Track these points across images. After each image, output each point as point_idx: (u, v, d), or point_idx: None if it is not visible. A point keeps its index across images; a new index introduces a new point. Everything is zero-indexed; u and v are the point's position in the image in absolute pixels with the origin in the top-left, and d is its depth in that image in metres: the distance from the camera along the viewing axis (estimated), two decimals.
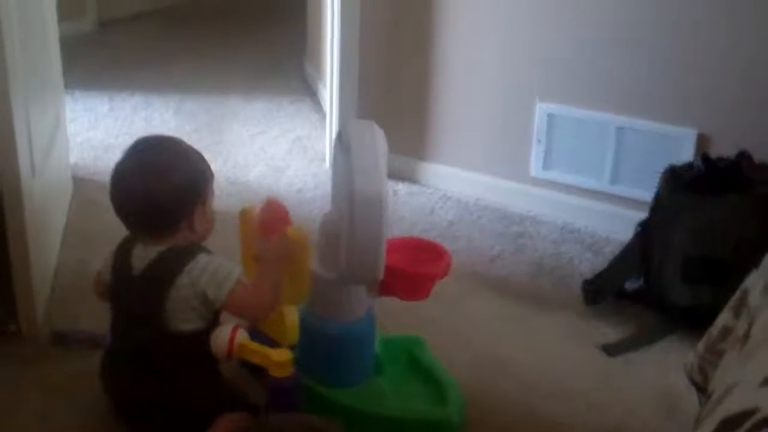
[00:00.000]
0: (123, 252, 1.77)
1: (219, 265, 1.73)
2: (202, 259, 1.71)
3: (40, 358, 2.18)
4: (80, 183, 3.13)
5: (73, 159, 3.27)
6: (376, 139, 1.77)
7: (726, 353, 1.51)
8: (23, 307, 2.20)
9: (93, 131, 3.76)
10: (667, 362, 2.25)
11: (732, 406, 0.83)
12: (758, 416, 0.77)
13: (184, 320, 1.71)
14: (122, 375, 1.78)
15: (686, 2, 2.74)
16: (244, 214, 2.04)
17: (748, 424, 0.77)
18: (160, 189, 1.70)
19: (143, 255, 1.73)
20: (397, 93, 3.35)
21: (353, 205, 1.69)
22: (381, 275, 1.79)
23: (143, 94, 4.28)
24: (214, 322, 1.76)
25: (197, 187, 1.75)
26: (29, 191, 2.20)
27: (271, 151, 3.65)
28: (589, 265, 2.73)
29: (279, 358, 1.71)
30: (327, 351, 1.91)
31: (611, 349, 2.32)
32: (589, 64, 2.94)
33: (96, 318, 2.07)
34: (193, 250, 1.73)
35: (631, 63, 2.86)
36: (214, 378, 1.80)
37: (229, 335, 1.72)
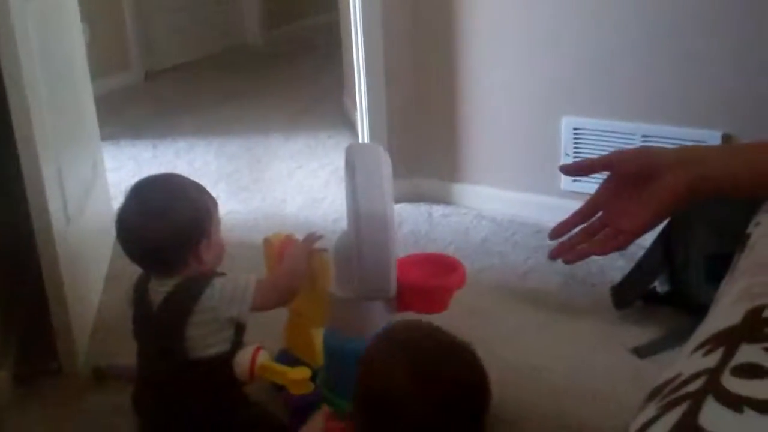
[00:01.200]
0: (140, 288, 1.81)
1: (235, 283, 1.75)
2: (217, 283, 1.73)
3: (80, 393, 2.27)
4: None
5: (116, 205, 3.37)
6: (379, 159, 1.80)
7: None
8: (63, 346, 2.28)
9: (137, 178, 3.85)
10: None
11: (664, 374, 0.86)
12: (678, 380, 0.79)
13: (207, 346, 1.73)
14: (151, 407, 1.81)
15: (703, 3, 2.75)
16: (268, 243, 2.11)
17: (666, 390, 0.79)
18: (159, 230, 1.72)
19: (159, 289, 1.76)
20: (426, 119, 3.40)
21: (359, 224, 1.73)
22: (393, 291, 1.82)
23: (186, 139, 4.41)
24: (237, 343, 1.78)
25: (197, 223, 1.77)
26: (63, 237, 2.29)
27: (309, 184, 3.73)
28: (621, 271, 2.73)
29: (296, 376, 1.75)
30: (350, 367, 1.94)
31: (641, 352, 2.33)
32: (608, 74, 2.97)
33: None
34: (207, 276, 1.76)
35: (651, 69, 2.88)
36: (241, 400, 1.84)
37: (250, 357, 1.77)
